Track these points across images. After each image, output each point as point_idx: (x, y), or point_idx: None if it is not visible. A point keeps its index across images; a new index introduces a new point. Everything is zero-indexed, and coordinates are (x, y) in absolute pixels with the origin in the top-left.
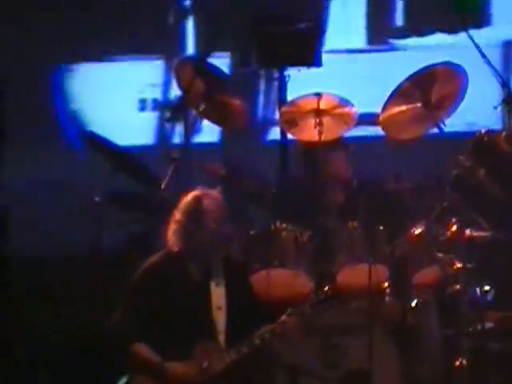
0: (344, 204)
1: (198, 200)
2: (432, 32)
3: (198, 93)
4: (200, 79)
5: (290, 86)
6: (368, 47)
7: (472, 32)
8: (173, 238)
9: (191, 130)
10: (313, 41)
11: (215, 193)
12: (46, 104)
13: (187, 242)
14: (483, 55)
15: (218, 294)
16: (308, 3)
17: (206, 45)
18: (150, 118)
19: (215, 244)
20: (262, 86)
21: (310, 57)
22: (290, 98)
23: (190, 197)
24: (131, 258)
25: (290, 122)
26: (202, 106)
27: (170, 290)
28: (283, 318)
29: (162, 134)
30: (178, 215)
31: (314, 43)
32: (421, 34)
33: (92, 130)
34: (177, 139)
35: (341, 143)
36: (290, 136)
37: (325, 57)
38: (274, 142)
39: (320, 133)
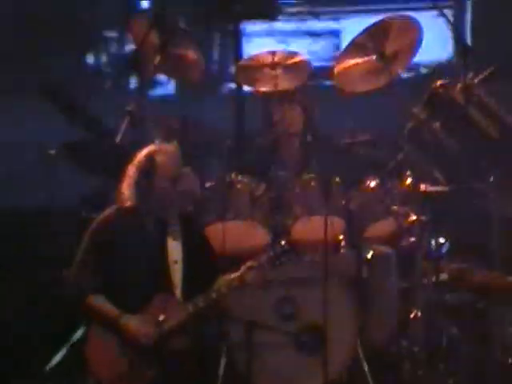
0: (299, 156)
1: (151, 155)
2: None
3: (153, 46)
4: (154, 32)
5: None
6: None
7: None
8: (126, 193)
9: (146, 82)
10: None
11: (171, 147)
12: None
13: (141, 198)
14: (438, 7)
15: (174, 248)
16: None
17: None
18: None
19: (169, 199)
20: (218, 39)
21: (266, 10)
22: (245, 51)
23: (143, 152)
24: (84, 214)
25: (250, 79)
26: (157, 59)
27: (126, 244)
28: (240, 271)
29: (117, 88)
30: (131, 170)
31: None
32: None
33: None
34: (132, 92)
35: (296, 96)
36: (245, 89)
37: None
38: (229, 94)
39: (276, 85)
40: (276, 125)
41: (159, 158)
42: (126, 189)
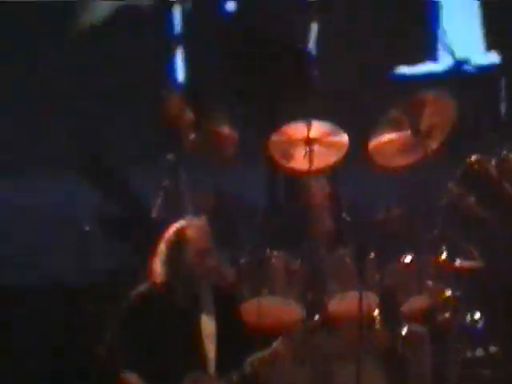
0: (334, 231)
1: (180, 231)
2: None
3: (188, 123)
4: (189, 109)
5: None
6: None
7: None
8: (157, 269)
9: (181, 158)
10: (302, 75)
11: (199, 222)
12: None
13: (171, 274)
14: (471, 82)
15: (208, 323)
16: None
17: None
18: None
19: (200, 274)
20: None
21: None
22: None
23: (173, 228)
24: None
25: (284, 155)
26: (192, 136)
27: (158, 321)
28: (274, 346)
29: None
30: (161, 246)
31: (304, 77)
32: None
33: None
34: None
35: (328, 172)
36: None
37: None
38: (262, 169)
39: (311, 162)
40: (300, 197)
41: (188, 233)
42: (158, 265)
